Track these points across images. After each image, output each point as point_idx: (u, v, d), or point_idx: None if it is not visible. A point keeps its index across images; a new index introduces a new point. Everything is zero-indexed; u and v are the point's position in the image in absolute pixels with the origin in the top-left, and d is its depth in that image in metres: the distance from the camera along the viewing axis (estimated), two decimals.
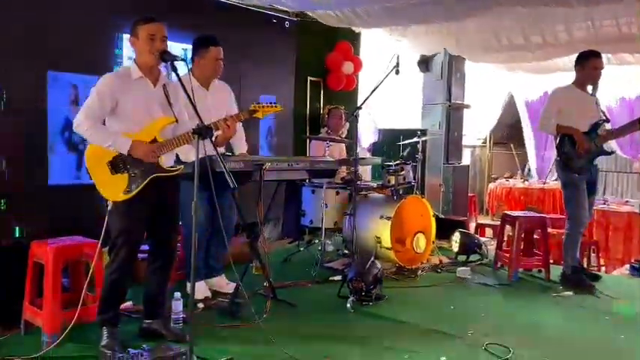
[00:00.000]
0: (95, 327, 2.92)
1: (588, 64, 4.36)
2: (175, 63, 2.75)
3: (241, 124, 3.84)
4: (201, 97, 3.74)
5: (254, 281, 3.91)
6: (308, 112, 6.38)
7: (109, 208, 2.83)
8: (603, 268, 5.81)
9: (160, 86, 2.94)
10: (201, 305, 3.63)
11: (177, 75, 2.70)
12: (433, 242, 4.97)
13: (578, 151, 4.30)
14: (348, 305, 3.68)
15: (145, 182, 2.82)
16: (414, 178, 5.20)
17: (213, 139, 3.37)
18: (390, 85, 4.78)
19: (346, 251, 5.03)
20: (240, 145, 3.95)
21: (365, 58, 6.89)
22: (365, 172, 6.95)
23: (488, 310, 3.82)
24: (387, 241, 4.50)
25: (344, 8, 5.23)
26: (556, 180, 9.10)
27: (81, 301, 2.93)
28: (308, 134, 6.26)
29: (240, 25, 5.16)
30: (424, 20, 5.43)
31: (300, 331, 3.26)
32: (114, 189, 2.80)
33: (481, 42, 6.18)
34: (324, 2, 4.84)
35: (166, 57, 2.78)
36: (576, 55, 4.51)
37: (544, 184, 8.72)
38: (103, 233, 2.87)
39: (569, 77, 4.60)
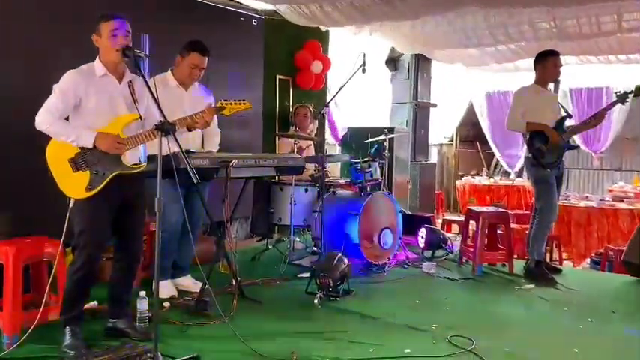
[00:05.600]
0: (58, 328, 2.87)
1: (549, 63, 4.49)
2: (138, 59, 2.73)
3: (217, 124, 3.82)
4: (178, 95, 3.72)
5: (221, 280, 3.90)
6: (277, 110, 6.38)
7: (70, 205, 2.80)
8: (565, 262, 5.97)
9: (126, 83, 2.90)
10: (167, 304, 3.60)
11: (141, 71, 2.68)
12: (400, 238, 5.04)
13: (550, 146, 4.40)
14: (316, 301, 3.71)
15: (108, 179, 2.79)
16: (382, 176, 5.26)
17: (190, 135, 3.37)
18: (359, 84, 4.83)
19: (315, 248, 5.06)
20: (211, 143, 3.92)
21: (334, 58, 6.91)
22: (334, 169, 7.01)
23: (452, 304, 3.90)
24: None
25: (312, 4, 5.23)
26: (519, 177, 9.36)
27: (44, 302, 2.88)
28: (277, 132, 6.26)
29: (207, 23, 5.13)
30: (390, 18, 5.49)
31: (266, 328, 3.26)
32: (76, 186, 2.77)
33: (449, 41, 6.30)
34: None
35: (128, 53, 2.74)
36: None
37: (512, 182, 8.92)
38: (64, 231, 2.83)
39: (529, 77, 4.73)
